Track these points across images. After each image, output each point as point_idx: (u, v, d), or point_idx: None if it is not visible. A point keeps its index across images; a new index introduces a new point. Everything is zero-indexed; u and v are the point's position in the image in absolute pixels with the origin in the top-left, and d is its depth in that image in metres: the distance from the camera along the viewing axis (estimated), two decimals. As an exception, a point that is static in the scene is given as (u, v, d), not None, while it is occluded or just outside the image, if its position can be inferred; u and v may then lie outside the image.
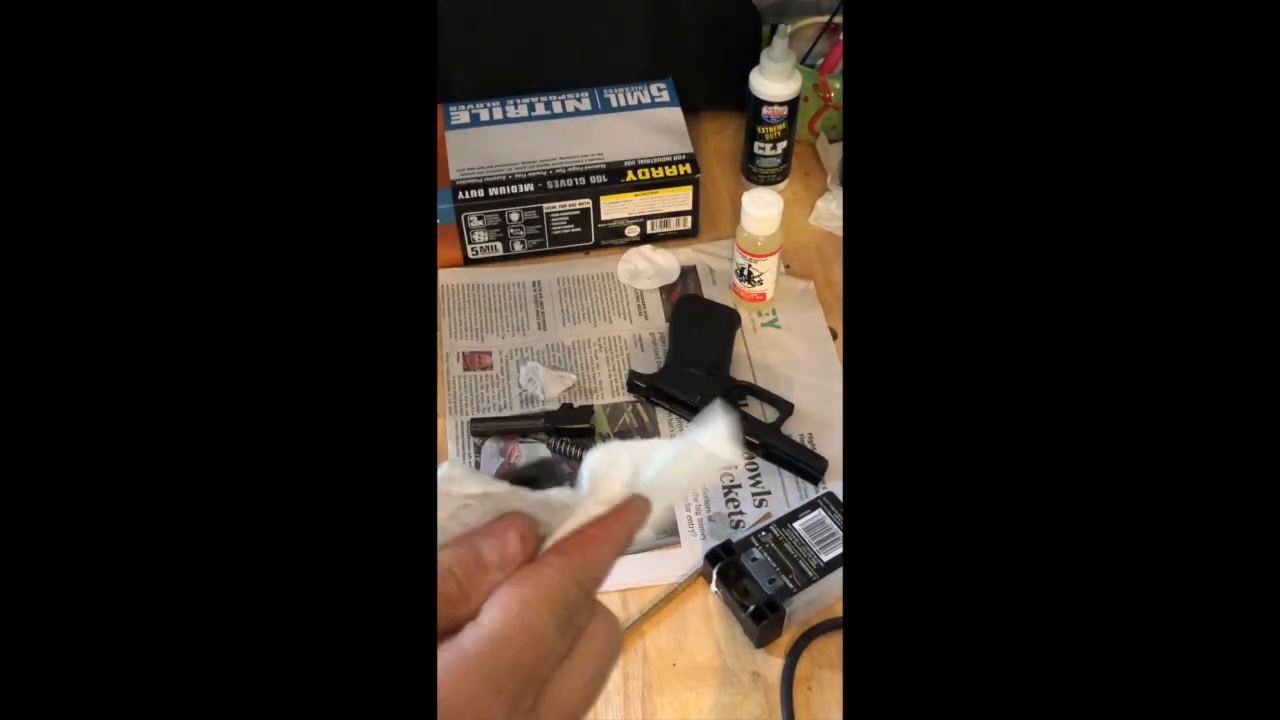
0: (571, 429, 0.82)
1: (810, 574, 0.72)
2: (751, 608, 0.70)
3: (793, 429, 0.83)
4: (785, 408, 0.83)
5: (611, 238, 0.97)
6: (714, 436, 0.35)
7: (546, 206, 0.93)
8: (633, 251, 0.97)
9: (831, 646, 0.72)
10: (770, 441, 0.81)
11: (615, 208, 0.94)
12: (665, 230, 0.97)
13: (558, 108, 1.00)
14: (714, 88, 1.05)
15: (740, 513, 0.79)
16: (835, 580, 0.72)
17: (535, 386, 0.86)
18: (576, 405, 0.84)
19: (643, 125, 0.98)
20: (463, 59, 0.99)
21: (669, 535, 0.77)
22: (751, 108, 0.96)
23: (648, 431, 0.84)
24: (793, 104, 0.96)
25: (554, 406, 0.85)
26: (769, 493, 0.80)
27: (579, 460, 0.80)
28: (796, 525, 0.75)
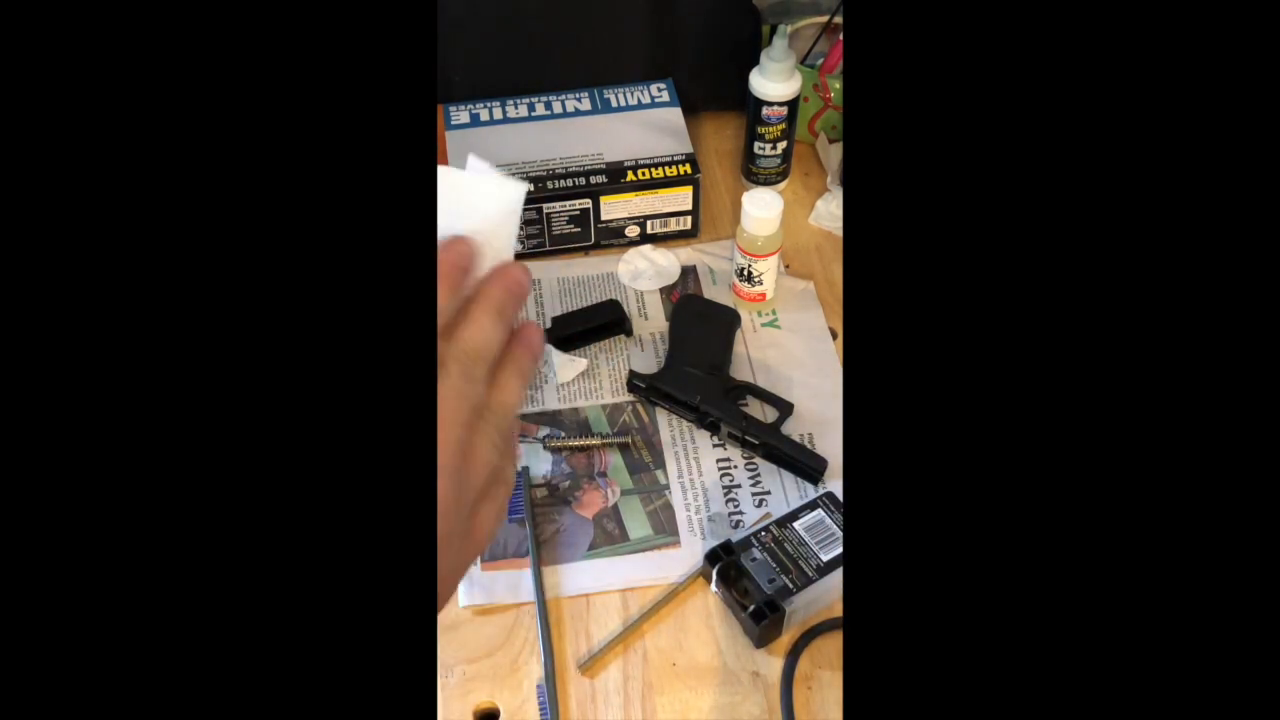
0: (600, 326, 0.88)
1: (810, 574, 0.72)
2: (751, 608, 0.70)
3: (793, 429, 0.83)
4: (785, 408, 0.83)
5: (611, 238, 0.97)
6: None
7: (546, 206, 0.93)
8: (633, 251, 0.97)
9: (831, 646, 0.72)
10: (770, 441, 0.81)
11: (615, 208, 0.94)
12: (665, 230, 0.97)
13: (558, 108, 1.00)
14: (714, 88, 1.05)
15: (740, 513, 0.79)
16: (835, 580, 0.72)
17: (548, 369, 0.86)
18: (579, 405, 0.84)
19: (643, 125, 0.98)
20: (463, 59, 0.99)
21: (668, 535, 0.77)
22: (751, 108, 0.96)
23: (648, 432, 0.84)
24: (793, 104, 0.96)
25: (554, 405, 0.85)
26: (769, 493, 0.80)
27: (579, 456, 0.81)
28: (796, 525, 0.75)
